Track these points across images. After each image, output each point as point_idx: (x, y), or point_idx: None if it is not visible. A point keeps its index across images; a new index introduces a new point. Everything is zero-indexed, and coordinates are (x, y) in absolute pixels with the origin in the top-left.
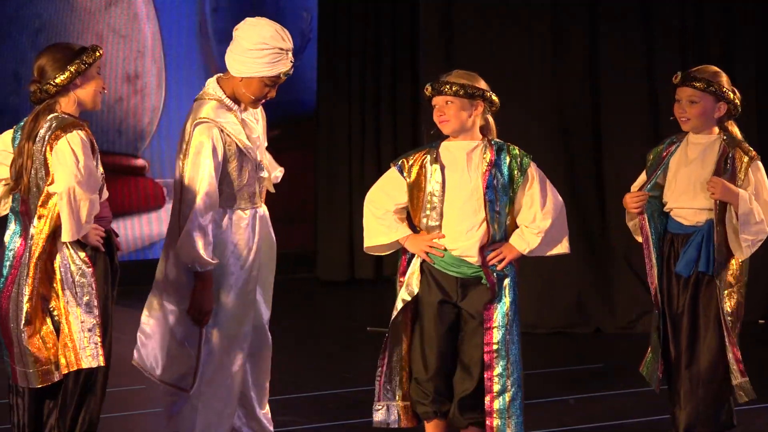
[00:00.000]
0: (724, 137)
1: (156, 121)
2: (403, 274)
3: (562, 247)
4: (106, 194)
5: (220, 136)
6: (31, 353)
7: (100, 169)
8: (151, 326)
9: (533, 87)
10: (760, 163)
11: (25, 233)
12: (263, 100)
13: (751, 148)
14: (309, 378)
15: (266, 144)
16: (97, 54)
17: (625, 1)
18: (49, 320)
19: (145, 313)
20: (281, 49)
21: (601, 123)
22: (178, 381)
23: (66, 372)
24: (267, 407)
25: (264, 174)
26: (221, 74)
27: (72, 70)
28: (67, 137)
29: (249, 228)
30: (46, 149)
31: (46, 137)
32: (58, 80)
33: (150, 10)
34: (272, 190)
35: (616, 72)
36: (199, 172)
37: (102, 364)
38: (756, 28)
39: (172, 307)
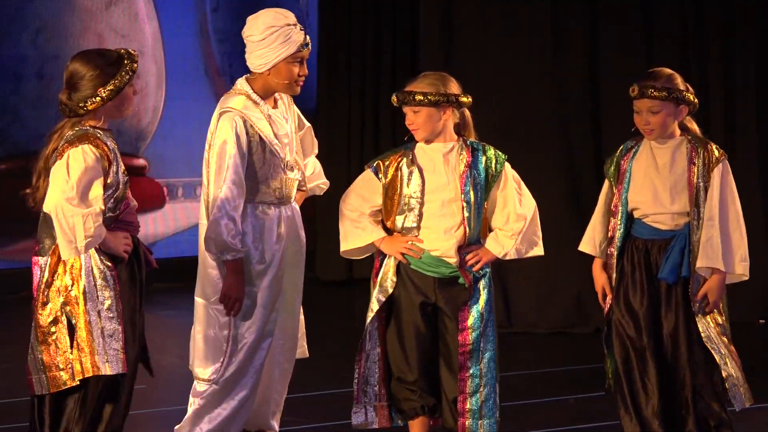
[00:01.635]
0: (689, 137)
1: (156, 121)
2: (377, 275)
3: (539, 250)
4: (135, 204)
5: (244, 126)
6: (41, 358)
7: (121, 176)
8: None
9: (533, 87)
10: (727, 164)
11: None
12: (300, 82)
13: (719, 147)
14: (309, 378)
15: (299, 148)
16: (133, 71)
17: (625, 0)
18: (62, 325)
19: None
20: (288, 24)
21: (601, 122)
22: (211, 374)
23: (81, 377)
24: (278, 418)
25: (292, 175)
26: (249, 74)
27: (104, 96)
28: (70, 152)
29: (273, 225)
30: (57, 158)
31: (57, 151)
32: (89, 106)
33: (150, 9)
34: (305, 191)
35: (616, 72)
36: (225, 161)
37: (123, 371)
38: (756, 28)
39: (204, 302)
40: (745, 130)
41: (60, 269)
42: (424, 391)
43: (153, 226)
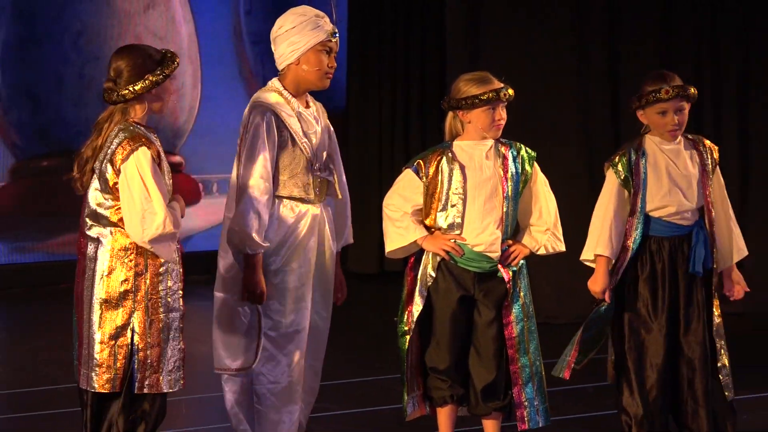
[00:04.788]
0: (684, 135)
1: (192, 120)
2: (412, 269)
3: (562, 245)
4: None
5: (274, 121)
6: (97, 359)
7: (167, 179)
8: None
9: (557, 87)
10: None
11: (83, 226)
12: (330, 73)
13: (711, 142)
14: (340, 368)
15: (333, 151)
16: (175, 64)
17: (644, 15)
18: (128, 333)
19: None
20: (317, 15)
21: (620, 121)
22: (243, 366)
23: (143, 392)
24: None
25: (321, 174)
26: (280, 74)
27: (151, 80)
28: (136, 155)
29: (298, 222)
30: (113, 158)
31: (114, 147)
32: (137, 88)
33: (186, 12)
34: (339, 195)
35: (636, 73)
36: (255, 155)
37: (183, 386)
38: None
39: (235, 298)
40: (759, 139)
41: (120, 262)
42: (455, 381)
43: (189, 220)
